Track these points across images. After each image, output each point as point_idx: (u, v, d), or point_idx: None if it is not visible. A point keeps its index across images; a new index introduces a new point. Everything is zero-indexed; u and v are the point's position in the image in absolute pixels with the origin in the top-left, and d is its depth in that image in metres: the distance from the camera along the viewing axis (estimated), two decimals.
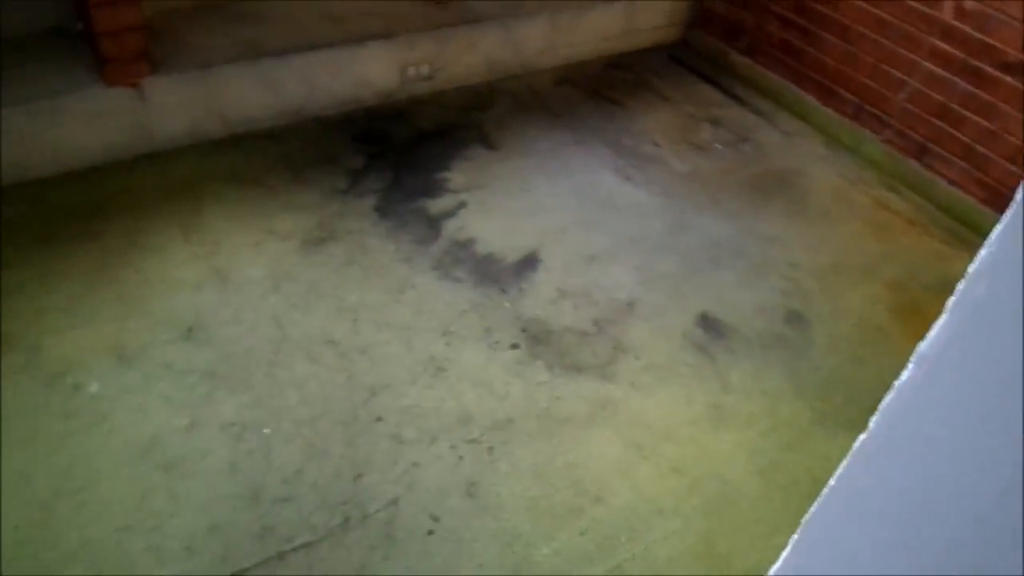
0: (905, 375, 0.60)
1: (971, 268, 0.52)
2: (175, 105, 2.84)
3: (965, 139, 3.07)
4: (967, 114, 3.04)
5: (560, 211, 2.90)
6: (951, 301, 0.54)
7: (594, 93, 3.60)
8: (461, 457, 2.07)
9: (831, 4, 3.39)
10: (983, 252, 0.51)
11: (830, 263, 2.86)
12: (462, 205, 2.84)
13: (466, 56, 3.40)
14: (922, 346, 0.58)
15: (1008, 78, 2.88)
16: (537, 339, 2.41)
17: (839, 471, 0.70)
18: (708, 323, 2.55)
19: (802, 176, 3.29)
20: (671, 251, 2.80)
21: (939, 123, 3.14)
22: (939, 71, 3.08)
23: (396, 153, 3.05)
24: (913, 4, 3.10)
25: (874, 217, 3.12)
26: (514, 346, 2.37)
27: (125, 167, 2.80)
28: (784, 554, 0.77)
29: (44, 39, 2.88)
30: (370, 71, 3.19)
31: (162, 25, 2.99)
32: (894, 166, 3.33)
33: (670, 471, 2.11)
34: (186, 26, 3.04)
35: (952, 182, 3.16)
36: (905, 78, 3.21)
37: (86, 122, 2.72)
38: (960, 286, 0.53)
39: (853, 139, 3.47)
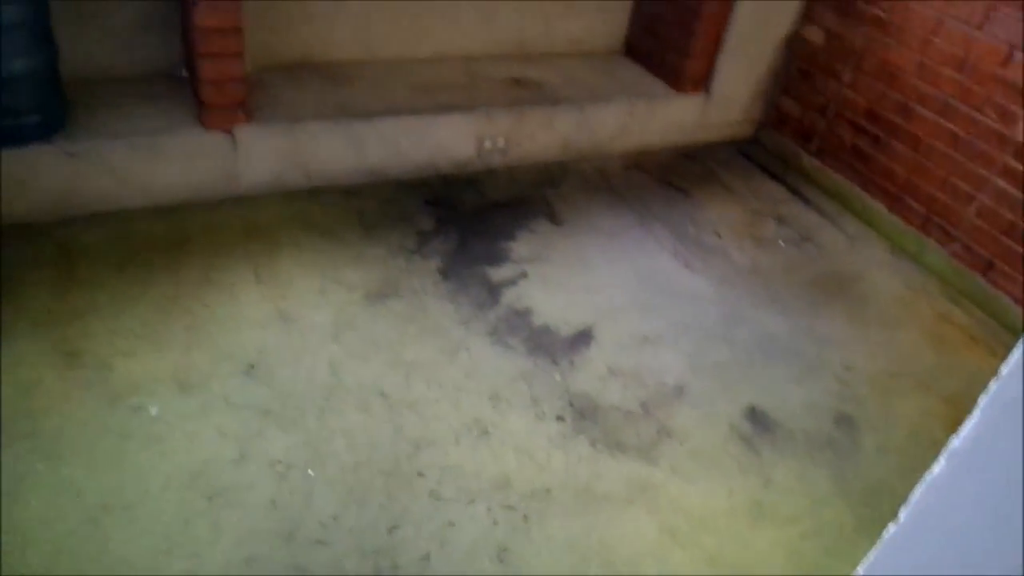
0: (936, 469, 0.62)
1: (1004, 368, 0.55)
2: (263, 154, 3.00)
3: None
4: None
5: (618, 291, 2.94)
6: (983, 399, 0.57)
7: (662, 180, 3.68)
8: (496, 522, 2.08)
9: (904, 115, 3.43)
10: (1016, 353, 0.54)
11: (886, 370, 2.83)
12: (523, 275, 2.92)
13: (541, 134, 3.53)
14: (954, 441, 0.60)
15: None
16: (583, 414, 2.43)
17: (868, 560, 0.72)
18: (756, 416, 2.54)
19: (864, 280, 3.28)
20: (725, 341, 2.81)
21: (1007, 240, 3.13)
22: (1010, 189, 3.08)
23: (465, 219, 3.16)
24: (987, 122, 3.12)
25: (935, 328, 3.09)
26: (560, 418, 2.40)
27: (210, 207, 2.96)
28: None
29: (153, 81, 3.10)
30: (448, 139, 3.33)
31: (261, 79, 3.19)
32: (958, 279, 3.31)
33: (704, 561, 2.09)
34: (282, 82, 3.23)
35: (1017, 300, 3.12)
36: (975, 193, 3.21)
37: (180, 161, 2.89)
38: (992, 385, 0.56)
39: (918, 248, 3.46)
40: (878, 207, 3.61)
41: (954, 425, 2.67)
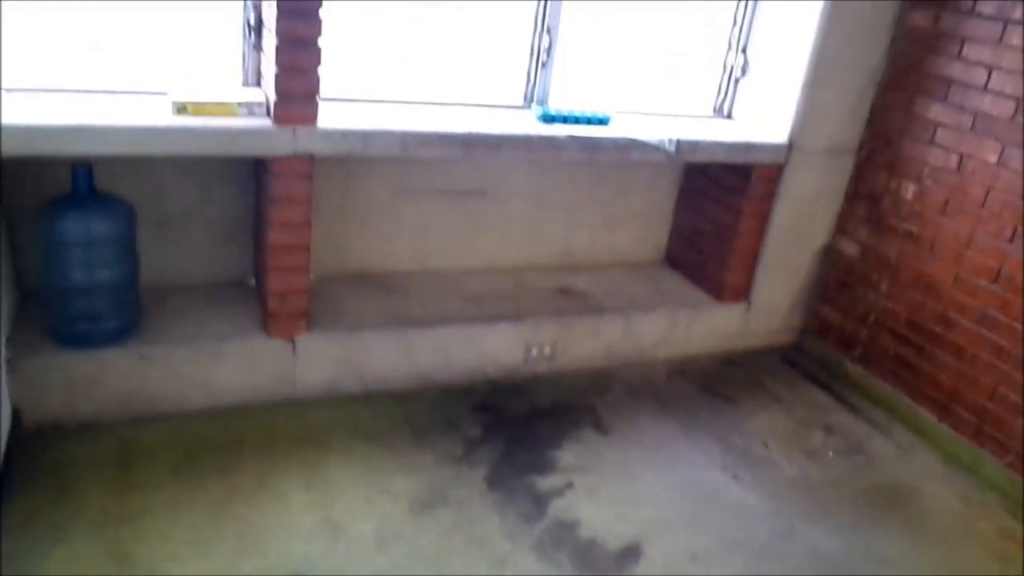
0: None
1: None
2: (320, 360, 3.14)
3: None
4: None
5: (665, 504, 2.92)
6: None
7: (706, 388, 3.72)
8: None
9: (944, 325, 3.48)
10: None
11: None
12: (570, 486, 2.92)
13: (587, 341, 3.64)
14: None
15: None
16: None
17: None
18: None
19: (918, 494, 3.20)
20: (777, 559, 2.73)
21: None
22: None
23: (512, 427, 3.21)
24: None
25: (998, 547, 2.97)
26: None
27: (266, 410, 3.07)
28: None
29: (223, 289, 3.33)
30: (496, 347, 3.46)
31: (322, 288, 3.39)
32: (1018, 493, 3.21)
33: None
34: (342, 292, 3.43)
35: None
36: None
37: (241, 366, 3.04)
38: None
39: (973, 459, 3.39)
40: (928, 416, 3.59)
41: None
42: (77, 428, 2.82)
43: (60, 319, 2.81)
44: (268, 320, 3.04)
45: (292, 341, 3.07)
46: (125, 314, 2.91)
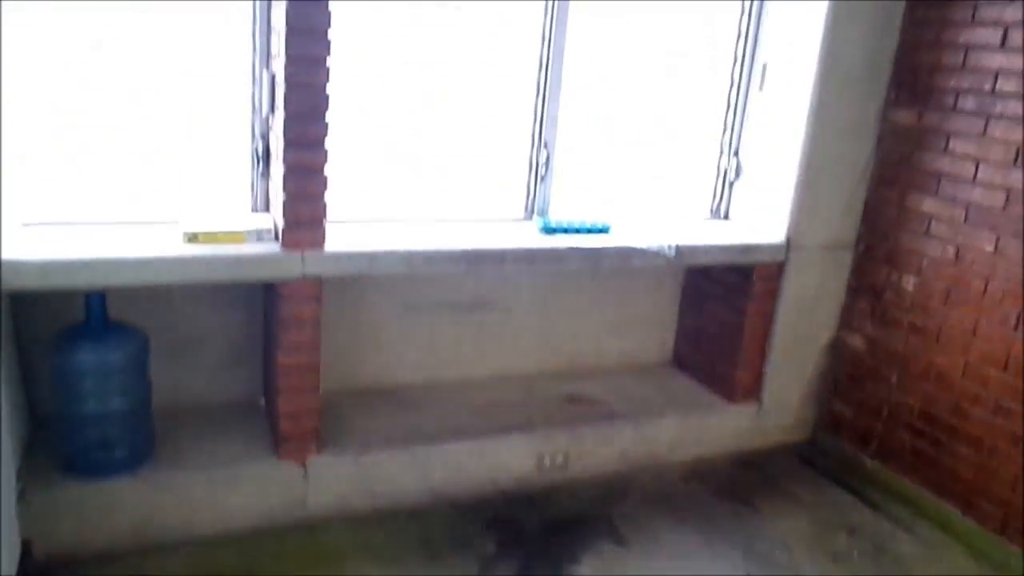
0: None
1: None
2: (332, 481, 3.12)
3: None
4: None
5: None
6: None
7: (724, 492, 3.66)
8: None
9: (959, 416, 3.45)
10: None
11: None
12: None
13: (599, 448, 3.61)
14: None
15: None
16: None
17: None
18: None
19: None
20: None
21: None
22: None
23: (527, 541, 3.14)
24: None
25: None
26: None
27: (277, 533, 3.02)
28: None
29: (234, 409, 3.35)
30: (509, 459, 3.43)
31: (332, 404, 3.39)
32: None
33: None
34: (353, 408, 3.44)
35: None
36: None
37: (253, 490, 3.01)
38: None
39: (1003, 555, 3.29)
40: (952, 511, 3.50)
41: None
42: (89, 559, 2.77)
43: (73, 449, 2.81)
44: (279, 443, 3.03)
45: (303, 463, 3.05)
46: (138, 441, 2.91)
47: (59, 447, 2.85)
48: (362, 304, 3.49)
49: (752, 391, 3.94)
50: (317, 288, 2.87)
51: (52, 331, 2.78)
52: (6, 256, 2.45)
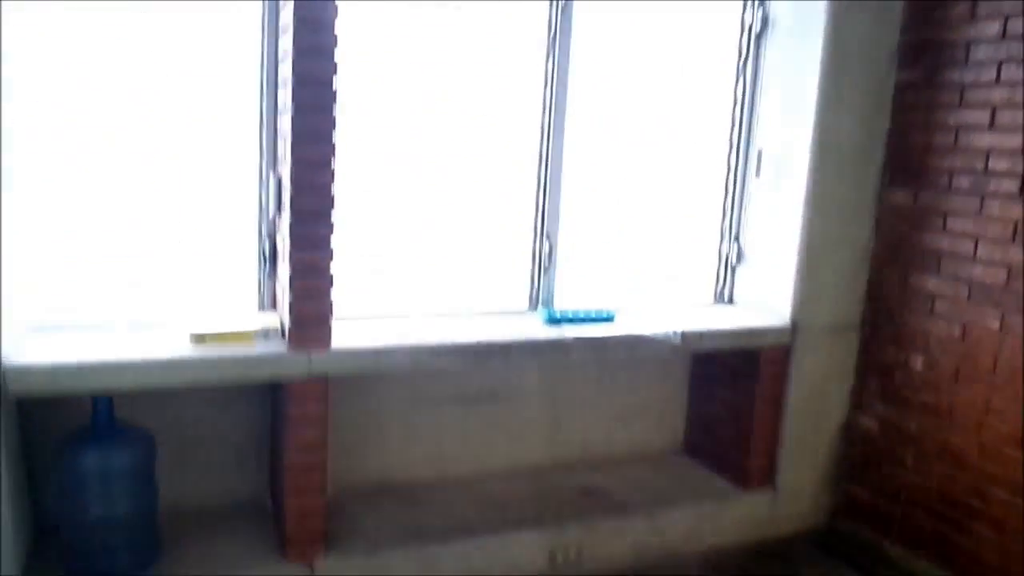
0: None
1: None
2: None
3: None
4: None
5: None
6: None
7: None
8: None
9: (979, 497, 3.37)
10: None
11: None
12: None
13: (613, 541, 3.52)
14: None
15: None
16: None
17: None
18: None
19: None
20: None
21: None
22: None
23: None
24: None
25: None
26: None
27: None
28: None
29: (241, 511, 3.29)
30: (521, 555, 3.34)
31: (339, 503, 3.34)
32: None
33: None
34: (360, 507, 3.38)
35: None
36: None
37: None
38: None
39: None
40: None
41: None
42: None
43: (78, 555, 2.76)
44: (286, 544, 2.97)
45: (311, 565, 2.98)
46: (144, 546, 2.86)
47: (64, 554, 2.79)
48: (368, 398, 3.47)
49: (766, 477, 3.87)
50: (323, 387, 2.87)
51: (58, 435, 2.77)
52: (12, 361, 2.47)
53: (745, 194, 3.91)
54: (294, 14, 2.60)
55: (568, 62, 3.48)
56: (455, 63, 3.35)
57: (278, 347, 2.83)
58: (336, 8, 2.64)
